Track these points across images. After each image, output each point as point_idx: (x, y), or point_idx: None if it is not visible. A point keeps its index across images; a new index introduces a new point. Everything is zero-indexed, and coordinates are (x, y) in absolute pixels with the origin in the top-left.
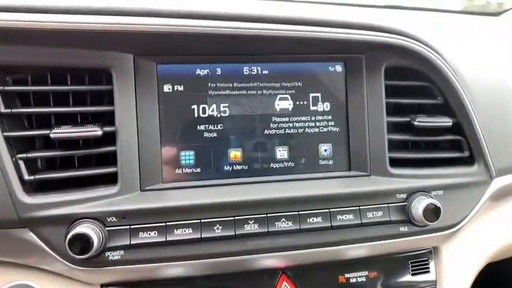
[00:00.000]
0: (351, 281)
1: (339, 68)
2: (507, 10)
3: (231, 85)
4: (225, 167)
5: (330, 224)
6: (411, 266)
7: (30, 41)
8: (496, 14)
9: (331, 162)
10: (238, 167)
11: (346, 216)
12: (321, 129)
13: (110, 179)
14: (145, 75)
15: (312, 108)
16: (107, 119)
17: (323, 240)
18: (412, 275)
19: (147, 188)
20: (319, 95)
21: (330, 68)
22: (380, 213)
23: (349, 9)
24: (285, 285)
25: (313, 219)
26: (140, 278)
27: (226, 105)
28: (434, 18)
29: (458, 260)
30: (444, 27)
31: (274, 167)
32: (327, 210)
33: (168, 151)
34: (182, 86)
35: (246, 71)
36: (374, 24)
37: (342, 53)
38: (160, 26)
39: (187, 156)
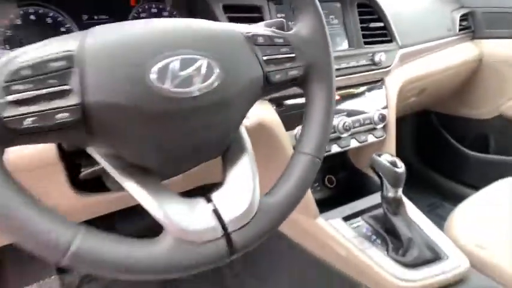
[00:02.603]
0: (344, 95)
1: (338, 4)
2: None
3: None
4: None
5: None
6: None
7: None
8: None
9: (345, 46)
10: None
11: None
12: (336, 31)
13: None
14: None
15: (331, 22)
16: None
17: None
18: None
19: None
20: (334, 16)
21: (334, 4)
22: (364, 61)
23: None
24: None
25: None
26: None
27: None
28: None
29: (391, 83)
30: None
31: None
32: None
33: None
34: None
35: None
36: None
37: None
38: None
39: None
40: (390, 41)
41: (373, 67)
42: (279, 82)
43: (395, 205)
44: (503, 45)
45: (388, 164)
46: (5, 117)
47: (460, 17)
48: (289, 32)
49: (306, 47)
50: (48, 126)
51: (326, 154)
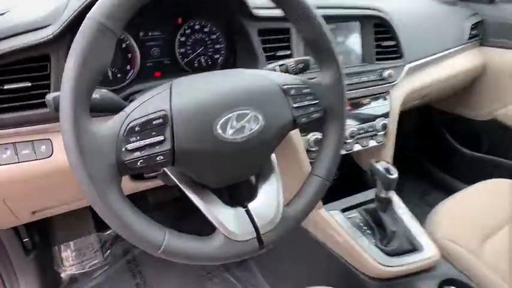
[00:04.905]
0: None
1: (357, 23)
2: None
3: None
4: None
5: None
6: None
7: None
8: None
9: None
10: None
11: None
12: (353, 48)
13: None
14: None
15: (350, 40)
16: None
17: None
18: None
19: None
20: (353, 34)
21: (354, 23)
22: (373, 76)
23: None
24: None
25: None
26: None
27: None
28: None
29: (395, 95)
30: None
31: None
32: None
33: None
34: None
35: None
36: (364, 5)
37: (356, 18)
38: None
39: None
40: (399, 57)
41: (380, 82)
42: (304, 123)
43: (385, 203)
44: (507, 54)
45: (383, 171)
46: (125, 161)
47: (471, 25)
48: (314, 81)
49: (326, 94)
50: (151, 165)
51: None
